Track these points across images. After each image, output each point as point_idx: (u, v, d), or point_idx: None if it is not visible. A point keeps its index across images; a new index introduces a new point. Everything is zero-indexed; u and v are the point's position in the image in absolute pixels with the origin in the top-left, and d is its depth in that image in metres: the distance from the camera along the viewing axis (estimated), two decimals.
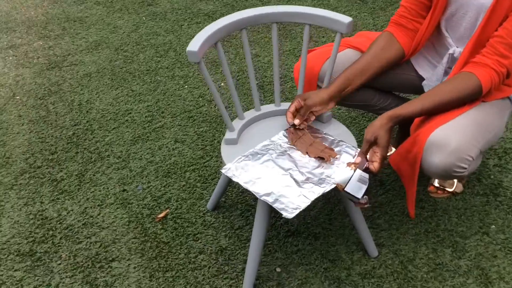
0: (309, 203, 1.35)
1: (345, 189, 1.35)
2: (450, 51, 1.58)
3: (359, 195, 1.35)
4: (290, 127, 1.59)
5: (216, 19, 3.18)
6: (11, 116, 2.49)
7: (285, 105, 1.70)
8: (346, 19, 1.53)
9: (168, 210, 1.90)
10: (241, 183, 1.42)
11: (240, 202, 1.91)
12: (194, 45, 1.45)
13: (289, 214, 1.33)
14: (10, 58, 3.01)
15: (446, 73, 1.62)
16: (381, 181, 1.95)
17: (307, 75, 1.72)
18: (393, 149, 2.06)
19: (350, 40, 1.78)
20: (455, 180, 1.88)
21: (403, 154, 1.47)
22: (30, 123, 2.42)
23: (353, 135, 1.66)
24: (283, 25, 3.13)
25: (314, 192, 1.39)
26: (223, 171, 1.45)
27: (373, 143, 1.39)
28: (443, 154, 1.37)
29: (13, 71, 2.87)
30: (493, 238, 1.72)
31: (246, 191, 1.95)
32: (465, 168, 1.40)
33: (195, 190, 1.98)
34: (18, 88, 2.71)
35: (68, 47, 3.08)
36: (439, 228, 1.76)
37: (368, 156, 1.41)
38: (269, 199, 1.37)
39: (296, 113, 1.58)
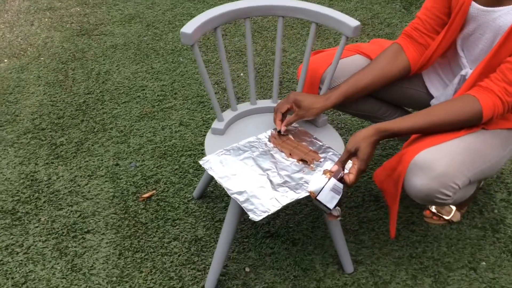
0: (279, 208, 1.30)
1: (317, 197, 1.29)
2: (463, 72, 1.48)
3: (331, 206, 1.29)
4: (274, 131, 1.53)
5: None
6: (31, 76, 2.52)
7: None
8: (353, 22, 1.45)
9: (154, 191, 1.87)
10: (216, 177, 1.37)
11: (226, 195, 1.86)
12: (189, 27, 1.41)
13: (256, 216, 1.27)
14: (46, 20, 3.06)
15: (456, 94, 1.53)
16: (376, 196, 1.87)
17: (310, 77, 1.65)
18: None
19: (362, 46, 1.70)
20: (454, 208, 1.78)
21: (387, 171, 1.39)
22: (46, 85, 2.45)
23: None
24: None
25: (287, 197, 1.33)
26: (201, 162, 1.41)
27: (353, 154, 1.31)
28: (427, 177, 1.28)
29: (44, 32, 2.92)
30: (480, 275, 1.61)
31: None
32: (449, 196, 1.31)
33: (186, 175, 1.95)
34: (44, 50, 2.75)
35: (102, 16, 3.10)
36: (424, 255, 1.67)
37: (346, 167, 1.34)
38: (240, 198, 1.32)
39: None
